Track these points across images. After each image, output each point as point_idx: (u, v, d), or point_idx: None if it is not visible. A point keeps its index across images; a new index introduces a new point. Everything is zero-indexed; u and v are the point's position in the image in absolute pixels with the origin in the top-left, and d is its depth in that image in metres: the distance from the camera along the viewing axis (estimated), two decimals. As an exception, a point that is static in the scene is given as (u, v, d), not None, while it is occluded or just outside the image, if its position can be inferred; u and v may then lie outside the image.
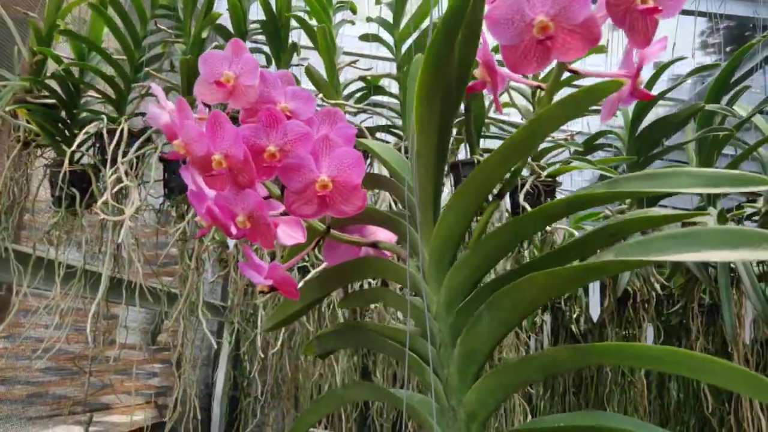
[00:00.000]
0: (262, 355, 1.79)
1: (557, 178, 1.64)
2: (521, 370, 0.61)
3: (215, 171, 0.54)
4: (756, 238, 0.45)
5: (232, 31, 1.65)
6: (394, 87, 1.80)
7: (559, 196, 1.58)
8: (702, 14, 2.44)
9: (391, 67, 1.82)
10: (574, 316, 2.56)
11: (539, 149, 1.61)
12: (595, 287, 1.85)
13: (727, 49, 2.78)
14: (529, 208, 1.46)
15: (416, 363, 0.62)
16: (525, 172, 1.62)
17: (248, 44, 1.71)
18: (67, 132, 1.59)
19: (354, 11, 1.81)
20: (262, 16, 1.64)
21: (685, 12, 2.53)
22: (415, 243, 0.64)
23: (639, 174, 0.61)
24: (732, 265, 1.64)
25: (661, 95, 1.58)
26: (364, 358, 2.24)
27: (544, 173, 1.57)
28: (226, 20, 1.62)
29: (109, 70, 1.59)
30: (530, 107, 1.53)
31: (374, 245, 0.65)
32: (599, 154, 2.04)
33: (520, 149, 0.57)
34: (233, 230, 0.57)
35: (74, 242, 1.67)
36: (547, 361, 0.61)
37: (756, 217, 1.76)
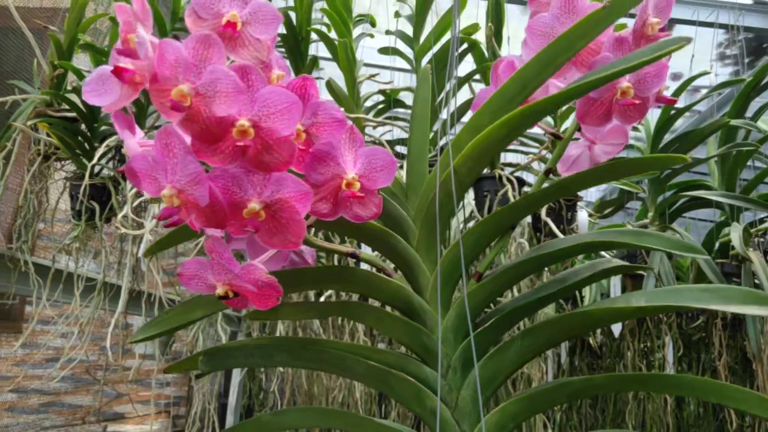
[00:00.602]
0: (281, 370, 1.78)
1: (578, 193, 1.62)
2: (555, 395, 0.60)
3: (238, 141, 0.45)
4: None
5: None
6: (411, 99, 1.79)
7: (580, 211, 1.57)
8: (721, 26, 2.42)
9: (411, 79, 1.82)
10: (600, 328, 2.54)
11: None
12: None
13: (746, 60, 2.75)
14: (552, 224, 1.45)
15: (407, 385, 0.58)
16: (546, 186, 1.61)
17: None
18: (86, 145, 1.59)
19: (373, 24, 1.81)
20: (281, 30, 1.64)
21: (703, 24, 2.52)
22: (411, 261, 0.62)
23: (630, 231, 0.63)
24: (756, 281, 1.62)
25: (687, 108, 1.56)
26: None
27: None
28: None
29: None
30: (551, 122, 1.52)
31: (354, 255, 0.60)
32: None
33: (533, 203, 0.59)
34: (219, 222, 0.47)
35: (92, 254, 1.67)
36: (582, 387, 0.60)
37: (780, 232, 1.74)
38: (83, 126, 1.59)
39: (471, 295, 0.63)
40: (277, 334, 1.65)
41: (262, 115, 0.45)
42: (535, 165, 1.56)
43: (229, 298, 0.49)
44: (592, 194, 3.96)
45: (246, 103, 0.45)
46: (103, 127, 1.62)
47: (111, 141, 1.56)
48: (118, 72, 0.45)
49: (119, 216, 1.49)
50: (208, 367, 0.60)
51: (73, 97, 1.54)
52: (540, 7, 0.60)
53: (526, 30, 0.57)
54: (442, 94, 1.69)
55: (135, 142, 0.48)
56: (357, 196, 0.49)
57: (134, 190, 1.51)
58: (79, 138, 1.57)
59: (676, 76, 3.35)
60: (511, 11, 2.75)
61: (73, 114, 1.56)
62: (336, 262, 1.49)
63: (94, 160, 1.50)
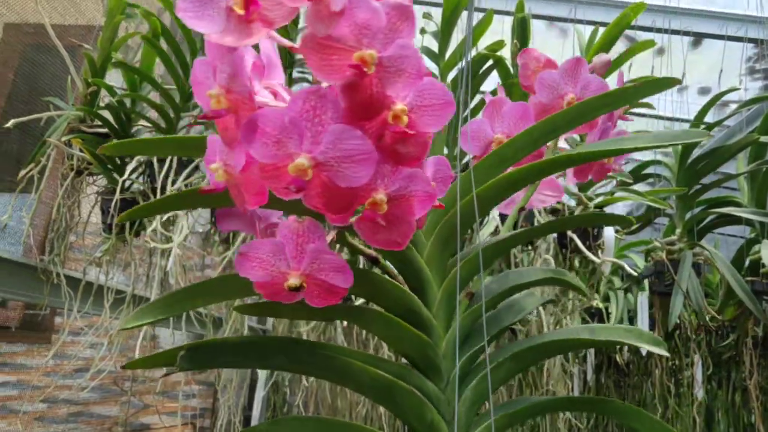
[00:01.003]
0: (306, 384, 1.79)
1: (605, 209, 1.61)
2: (533, 410, 0.63)
3: (386, 126, 0.42)
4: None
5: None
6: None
7: (606, 228, 1.56)
8: (750, 40, 2.40)
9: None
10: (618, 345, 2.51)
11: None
12: (643, 317, 1.81)
13: (776, 74, 2.72)
14: (577, 240, 1.44)
15: (412, 397, 0.57)
16: (572, 203, 1.61)
17: (295, 73, 1.74)
18: (118, 160, 1.62)
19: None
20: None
21: (732, 38, 2.50)
22: (420, 273, 0.62)
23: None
24: (787, 299, 1.59)
25: (716, 124, 1.55)
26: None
27: (592, 204, 1.55)
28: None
29: (160, 100, 1.63)
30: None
31: (375, 259, 0.58)
32: (643, 186, 2.01)
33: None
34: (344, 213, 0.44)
35: (121, 266, 1.70)
36: (546, 404, 0.63)
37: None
38: (114, 141, 1.62)
39: (469, 314, 0.64)
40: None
41: (415, 106, 0.43)
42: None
43: (299, 290, 0.45)
44: (619, 209, 3.93)
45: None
46: (134, 143, 1.65)
47: (142, 156, 1.59)
48: (247, 4, 0.40)
49: (149, 230, 1.52)
50: (190, 365, 0.53)
51: (106, 114, 1.58)
52: (529, 61, 0.67)
53: (537, 80, 0.63)
54: (467, 111, 1.70)
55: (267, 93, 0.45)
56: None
57: (163, 204, 1.54)
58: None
59: (704, 90, 3.32)
60: (537, 26, 2.75)
61: (105, 130, 1.59)
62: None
63: (125, 176, 1.53)
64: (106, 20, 1.64)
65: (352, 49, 0.40)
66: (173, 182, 1.57)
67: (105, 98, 1.69)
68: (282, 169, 0.41)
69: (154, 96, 1.68)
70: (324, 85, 0.42)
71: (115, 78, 1.77)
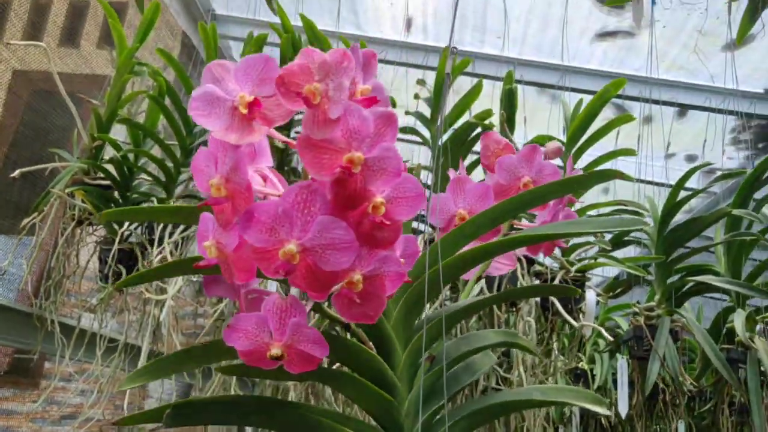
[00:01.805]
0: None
1: (586, 273, 1.67)
2: None
3: (367, 216, 0.47)
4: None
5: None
6: (428, 177, 1.87)
7: (589, 291, 1.61)
8: (732, 113, 2.50)
9: (426, 154, 1.90)
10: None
11: (569, 244, 1.66)
12: (623, 381, 1.84)
13: (759, 145, 2.82)
14: (558, 304, 1.49)
15: None
16: (554, 266, 1.66)
17: (293, 134, 1.81)
18: (118, 211, 1.68)
19: (394, 105, 1.91)
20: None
21: (715, 110, 2.60)
22: (386, 338, 0.66)
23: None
24: (761, 368, 1.63)
25: (696, 193, 1.63)
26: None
27: (573, 269, 1.60)
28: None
29: (161, 154, 1.70)
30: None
31: (347, 326, 0.62)
32: (629, 250, 2.07)
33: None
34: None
35: (115, 313, 1.74)
36: None
37: (787, 319, 1.75)
38: (116, 193, 1.69)
39: (429, 375, 0.69)
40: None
41: (392, 198, 0.48)
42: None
43: (280, 359, 0.50)
44: (610, 271, 3.98)
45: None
46: (135, 195, 1.72)
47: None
48: (250, 106, 0.46)
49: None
50: (175, 423, 0.56)
51: (109, 167, 1.65)
52: (490, 143, 0.75)
53: (497, 163, 0.71)
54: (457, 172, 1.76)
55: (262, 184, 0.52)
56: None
57: (160, 256, 1.59)
58: (112, 205, 1.67)
59: (690, 158, 3.42)
60: (529, 92, 2.86)
61: (107, 182, 1.66)
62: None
63: (125, 227, 1.59)
64: (115, 77, 1.72)
65: (342, 150, 0.47)
66: (170, 234, 1.62)
67: (109, 150, 1.76)
68: (272, 253, 0.46)
69: (156, 150, 1.75)
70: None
71: (118, 131, 1.85)
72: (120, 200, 1.68)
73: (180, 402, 0.57)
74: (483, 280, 1.62)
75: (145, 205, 1.63)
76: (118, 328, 1.76)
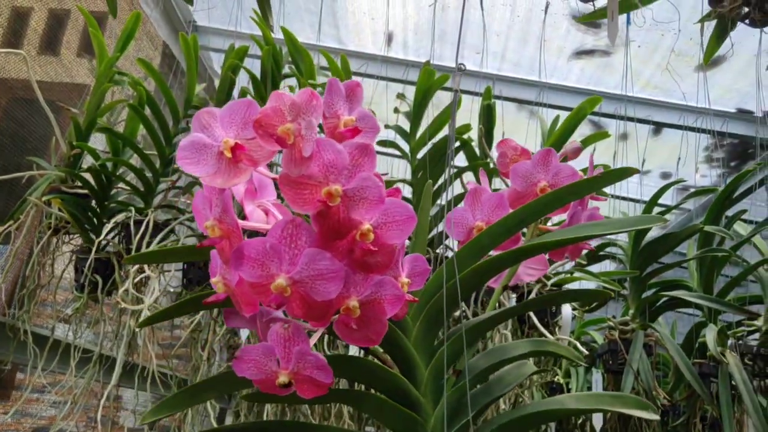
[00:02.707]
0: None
1: (562, 287, 1.69)
2: None
3: (356, 243, 0.49)
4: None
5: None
6: (406, 191, 1.89)
7: (564, 306, 1.63)
8: (704, 131, 2.55)
9: (406, 168, 1.92)
10: (579, 421, 2.54)
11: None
12: (598, 395, 1.86)
13: (732, 163, 2.88)
14: (534, 318, 1.51)
15: None
16: (530, 281, 1.68)
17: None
18: (95, 221, 1.67)
19: (373, 118, 1.92)
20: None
21: (689, 129, 2.65)
22: (408, 355, 0.67)
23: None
24: (732, 382, 1.66)
25: (670, 209, 1.66)
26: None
27: (550, 282, 1.62)
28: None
29: (140, 164, 1.70)
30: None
31: (366, 347, 0.63)
32: (605, 265, 2.10)
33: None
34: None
35: (90, 324, 1.72)
36: None
37: (756, 335, 1.79)
38: (94, 202, 1.67)
39: (456, 390, 0.70)
40: (265, 415, 1.68)
41: (381, 223, 0.50)
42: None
43: (289, 386, 0.51)
44: (583, 286, 4.01)
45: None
46: (112, 205, 1.71)
47: (119, 218, 1.65)
48: (234, 149, 0.49)
49: (120, 290, 1.55)
50: None
51: (87, 176, 1.64)
52: (507, 150, 0.75)
53: (511, 170, 0.71)
54: (435, 185, 1.78)
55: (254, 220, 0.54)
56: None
57: (137, 266, 1.58)
58: (89, 214, 1.66)
59: (665, 175, 3.48)
60: (508, 108, 2.90)
61: (85, 191, 1.65)
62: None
63: (102, 236, 1.58)
64: (94, 86, 1.72)
65: (320, 184, 0.48)
66: (148, 244, 1.62)
67: (87, 159, 1.75)
68: (266, 287, 0.48)
69: (135, 160, 1.75)
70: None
71: (97, 140, 1.84)
72: (97, 209, 1.67)
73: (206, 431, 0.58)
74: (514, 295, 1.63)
75: (123, 214, 1.62)
76: (93, 339, 1.75)
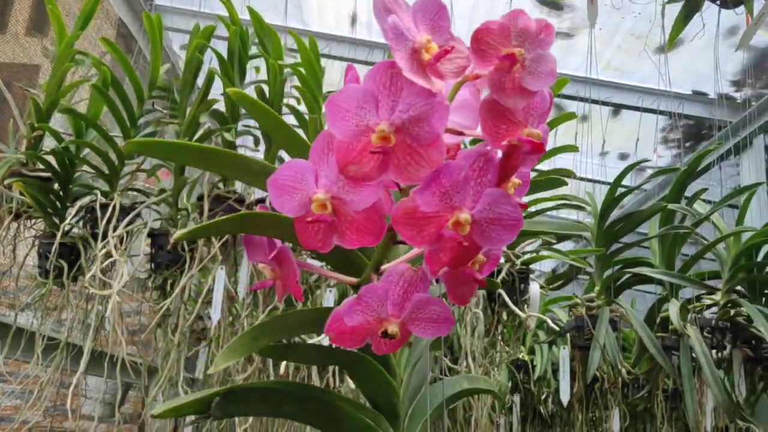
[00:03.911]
0: None
1: (530, 266, 1.72)
2: None
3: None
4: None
5: (225, 114, 1.73)
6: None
7: (532, 283, 1.66)
8: (663, 113, 2.62)
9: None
10: (543, 397, 2.61)
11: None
12: (565, 369, 1.91)
13: (687, 144, 2.96)
14: (505, 296, 1.54)
15: None
16: (500, 260, 1.71)
17: (240, 127, 1.79)
18: (59, 204, 1.63)
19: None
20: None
21: (647, 110, 2.71)
22: None
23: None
24: (693, 355, 1.73)
25: (632, 190, 1.70)
26: None
27: (519, 261, 1.65)
28: (219, 104, 1.71)
29: (104, 146, 1.65)
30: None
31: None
32: (568, 244, 2.14)
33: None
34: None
35: (55, 311, 1.68)
36: None
37: (714, 309, 1.86)
38: (56, 186, 1.63)
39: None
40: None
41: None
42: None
43: (393, 338, 0.45)
44: (546, 265, 4.10)
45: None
46: (76, 188, 1.66)
47: (84, 201, 1.61)
48: (437, 53, 0.42)
49: (87, 276, 1.52)
50: (222, 413, 0.54)
51: (50, 158, 1.59)
52: None
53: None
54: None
55: None
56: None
57: (104, 250, 1.55)
58: (52, 197, 1.61)
59: (623, 156, 3.56)
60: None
61: (47, 174, 1.60)
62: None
63: (67, 220, 1.54)
64: (55, 66, 1.66)
65: (519, 124, 0.45)
66: (114, 228, 1.58)
67: (47, 141, 1.70)
68: (432, 220, 0.43)
69: (99, 143, 1.70)
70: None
71: (56, 122, 1.78)
72: (60, 193, 1.63)
73: (230, 387, 0.55)
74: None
75: (88, 197, 1.59)
76: (55, 327, 1.71)
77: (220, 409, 0.54)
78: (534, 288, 1.73)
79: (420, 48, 0.42)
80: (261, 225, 0.54)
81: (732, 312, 1.81)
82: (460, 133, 0.48)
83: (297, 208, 0.45)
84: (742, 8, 1.56)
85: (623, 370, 1.92)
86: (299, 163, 0.45)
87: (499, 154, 0.45)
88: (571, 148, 1.62)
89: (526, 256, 1.71)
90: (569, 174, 0.62)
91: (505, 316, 1.79)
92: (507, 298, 1.56)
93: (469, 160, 0.43)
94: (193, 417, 0.56)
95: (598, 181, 3.09)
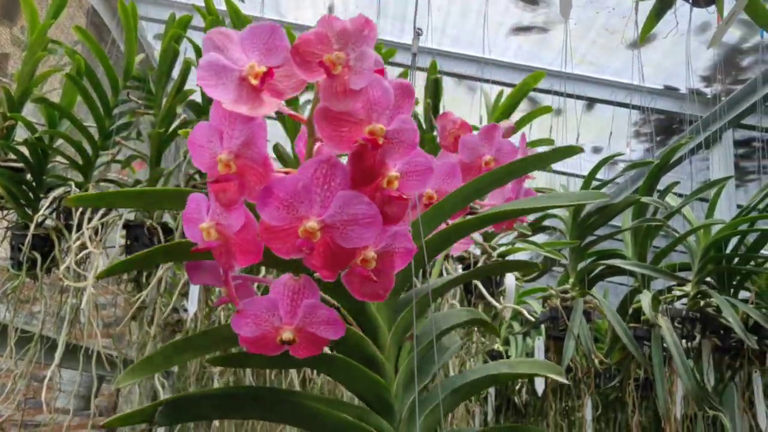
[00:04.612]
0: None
1: (507, 258, 1.74)
2: None
3: (382, 190, 0.47)
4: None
5: (202, 105, 1.72)
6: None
7: (508, 275, 1.68)
8: (635, 107, 2.66)
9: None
10: (517, 387, 2.64)
11: (490, 231, 1.72)
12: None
13: (658, 138, 3.02)
14: (481, 287, 1.55)
15: None
16: (477, 252, 1.72)
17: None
18: (31, 195, 1.61)
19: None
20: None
21: (620, 104, 2.75)
22: (372, 318, 0.67)
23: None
24: (664, 344, 1.76)
25: (606, 183, 1.73)
26: None
27: (495, 253, 1.67)
28: (195, 95, 1.69)
29: (78, 136, 1.63)
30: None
31: (338, 310, 0.59)
32: (542, 237, 2.17)
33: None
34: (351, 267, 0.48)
35: (29, 301, 1.66)
36: None
37: (684, 300, 1.90)
38: (29, 176, 1.60)
39: (412, 357, 0.72)
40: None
41: (404, 172, 0.48)
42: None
43: (291, 344, 0.48)
44: (520, 257, 4.14)
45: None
46: (49, 179, 1.64)
47: (57, 192, 1.59)
48: (263, 77, 0.44)
49: (62, 267, 1.50)
50: (168, 420, 0.54)
51: (22, 149, 1.57)
52: (446, 123, 0.75)
53: (460, 142, 0.72)
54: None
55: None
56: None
57: (79, 242, 1.53)
58: (24, 188, 1.59)
59: (596, 150, 3.61)
60: (447, 83, 2.93)
61: (20, 165, 1.58)
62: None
63: (41, 212, 1.52)
64: (27, 54, 1.64)
65: (362, 122, 0.46)
66: (89, 220, 1.57)
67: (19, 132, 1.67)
68: (288, 231, 0.45)
69: (73, 133, 1.68)
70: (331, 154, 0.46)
71: (29, 112, 1.75)
72: (33, 183, 1.60)
73: (173, 397, 0.55)
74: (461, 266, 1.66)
75: (62, 188, 1.57)
76: (27, 320, 1.68)
77: (165, 417, 0.54)
78: (510, 279, 1.75)
79: (247, 75, 0.45)
80: (181, 253, 0.56)
81: (702, 303, 1.85)
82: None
83: (198, 236, 0.48)
84: (713, 7, 1.59)
85: (596, 360, 1.95)
86: (197, 196, 0.49)
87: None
88: (547, 142, 1.64)
89: (502, 248, 1.72)
90: (577, 150, 0.63)
91: (480, 308, 1.80)
92: (484, 290, 1.57)
93: (309, 170, 0.45)
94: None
95: (572, 174, 3.13)
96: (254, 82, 0.45)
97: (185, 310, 1.93)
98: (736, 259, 1.89)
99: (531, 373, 0.74)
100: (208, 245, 0.47)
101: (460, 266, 1.76)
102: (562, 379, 0.66)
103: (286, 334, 0.48)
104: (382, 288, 0.51)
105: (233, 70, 0.45)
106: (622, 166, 3.42)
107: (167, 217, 1.67)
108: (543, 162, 0.67)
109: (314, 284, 0.49)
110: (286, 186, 0.44)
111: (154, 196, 0.59)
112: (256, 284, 0.63)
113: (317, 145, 0.50)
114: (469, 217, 0.69)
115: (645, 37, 1.75)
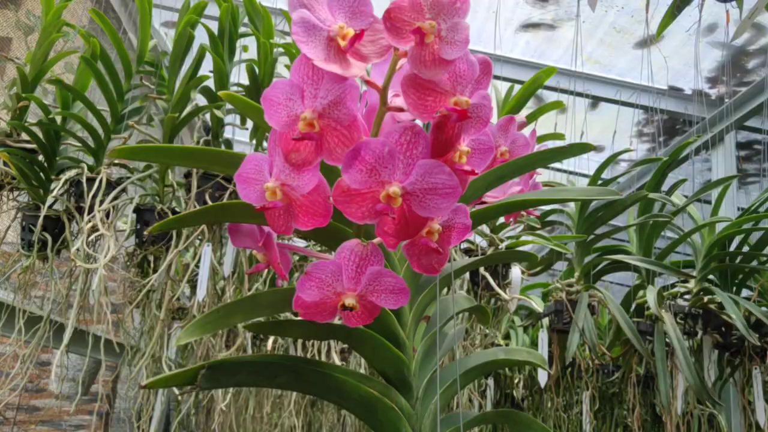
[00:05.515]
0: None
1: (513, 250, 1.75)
2: None
3: (454, 161, 0.48)
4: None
5: (214, 91, 1.72)
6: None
7: (513, 268, 1.70)
8: (641, 107, 2.68)
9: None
10: (516, 381, 2.66)
11: (498, 223, 1.73)
12: (543, 352, 1.95)
13: (660, 138, 3.03)
14: (489, 278, 1.57)
15: (393, 413, 0.64)
16: (484, 244, 1.74)
17: (228, 107, 1.79)
18: (43, 176, 1.61)
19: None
20: (242, 78, 1.73)
21: (625, 104, 2.77)
22: None
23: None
24: (667, 339, 1.78)
25: (610, 181, 1.74)
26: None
27: (503, 245, 1.68)
28: (207, 81, 1.70)
29: (90, 119, 1.64)
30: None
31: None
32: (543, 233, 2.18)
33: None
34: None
35: (41, 282, 1.67)
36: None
37: (687, 296, 1.92)
38: (41, 157, 1.61)
39: (430, 336, 0.73)
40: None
41: (472, 149, 0.49)
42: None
43: (352, 310, 0.47)
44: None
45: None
46: (61, 161, 1.64)
47: (70, 174, 1.59)
48: (352, 39, 0.44)
49: (73, 249, 1.51)
50: (209, 383, 0.55)
51: (35, 129, 1.57)
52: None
53: None
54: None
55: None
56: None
57: (90, 224, 1.54)
58: (36, 169, 1.59)
59: (600, 148, 3.63)
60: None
61: (32, 145, 1.58)
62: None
63: (54, 192, 1.53)
64: (41, 37, 1.64)
65: (447, 93, 0.46)
66: (101, 202, 1.57)
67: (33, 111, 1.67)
68: (367, 195, 0.45)
69: (85, 116, 1.68)
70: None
71: (40, 94, 1.76)
72: (45, 164, 1.61)
73: (216, 361, 0.56)
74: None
75: (74, 170, 1.57)
76: (34, 302, 1.69)
77: (207, 381, 0.55)
78: (516, 272, 1.76)
79: (335, 36, 0.45)
80: (235, 213, 0.57)
81: (705, 299, 1.87)
82: (400, 110, 0.50)
83: (258, 198, 0.48)
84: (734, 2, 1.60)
85: (600, 353, 1.97)
86: (257, 156, 0.48)
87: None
88: (558, 136, 1.66)
89: (509, 241, 1.74)
90: (590, 147, 0.65)
91: (485, 300, 1.82)
92: (491, 281, 1.59)
93: (394, 136, 0.45)
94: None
95: (576, 173, 3.15)
96: (343, 43, 0.45)
97: (186, 296, 1.94)
98: (740, 257, 1.91)
99: (523, 360, 0.77)
100: (273, 205, 0.47)
101: (467, 257, 1.78)
102: (545, 370, 0.68)
103: (349, 300, 0.47)
104: (437, 262, 0.51)
105: (321, 29, 0.45)
106: (623, 166, 3.44)
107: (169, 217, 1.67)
108: (561, 155, 0.69)
109: (380, 252, 0.49)
110: (373, 149, 0.44)
111: (204, 156, 0.60)
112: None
113: (387, 115, 0.50)
114: (486, 204, 0.71)
115: (661, 32, 1.76)
